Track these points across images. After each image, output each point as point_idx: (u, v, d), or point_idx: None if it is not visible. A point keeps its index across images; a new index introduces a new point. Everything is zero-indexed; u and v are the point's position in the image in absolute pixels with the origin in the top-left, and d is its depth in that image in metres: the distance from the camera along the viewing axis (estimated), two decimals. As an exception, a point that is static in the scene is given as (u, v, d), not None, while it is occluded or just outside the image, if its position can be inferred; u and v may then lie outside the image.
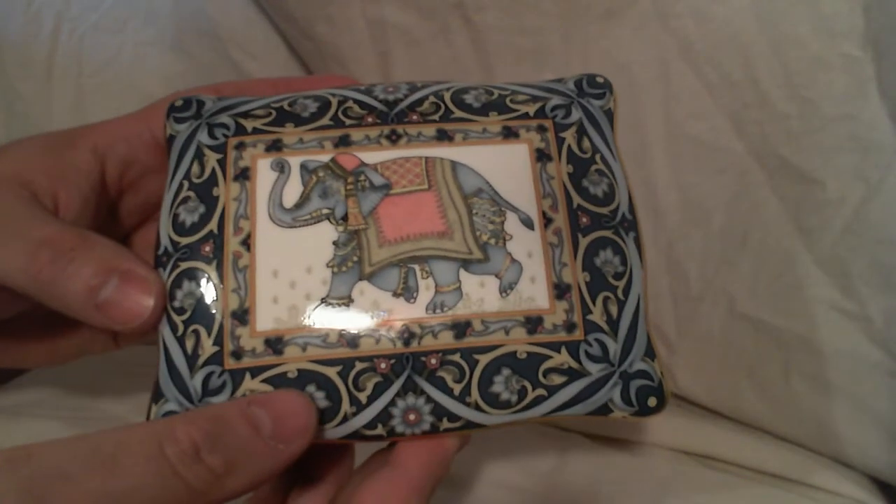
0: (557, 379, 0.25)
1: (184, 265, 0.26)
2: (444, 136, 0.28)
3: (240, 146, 0.27)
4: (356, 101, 0.28)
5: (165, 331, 0.25)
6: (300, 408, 0.23)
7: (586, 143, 0.28)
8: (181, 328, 0.25)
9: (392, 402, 0.25)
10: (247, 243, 0.26)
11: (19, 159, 0.28)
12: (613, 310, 0.26)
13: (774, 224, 0.37)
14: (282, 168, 0.27)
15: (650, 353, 0.26)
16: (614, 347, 0.26)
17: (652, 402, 0.26)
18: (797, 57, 0.35)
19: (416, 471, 0.24)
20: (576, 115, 0.29)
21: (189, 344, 0.25)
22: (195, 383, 0.25)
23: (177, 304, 0.26)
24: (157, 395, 0.25)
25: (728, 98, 0.37)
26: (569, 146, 0.28)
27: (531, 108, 0.29)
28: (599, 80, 0.30)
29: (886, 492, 0.38)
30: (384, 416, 0.25)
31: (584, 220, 0.27)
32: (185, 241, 0.26)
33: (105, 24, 0.45)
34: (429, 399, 0.25)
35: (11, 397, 0.40)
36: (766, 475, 0.38)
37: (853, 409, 0.36)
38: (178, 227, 0.27)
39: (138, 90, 0.45)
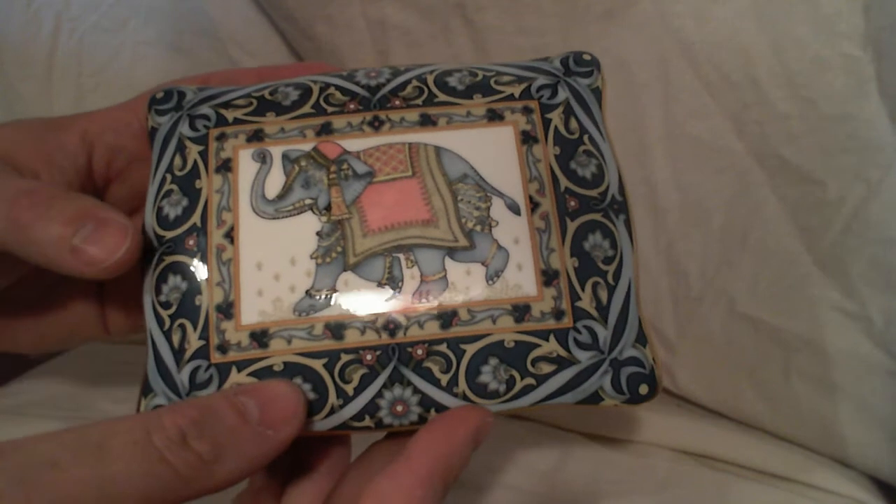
0: (546, 367, 0.25)
1: (168, 259, 0.26)
2: (427, 121, 0.27)
3: (221, 137, 0.27)
4: (338, 88, 0.28)
5: (153, 325, 0.25)
6: (288, 394, 0.23)
7: (573, 124, 0.28)
8: (167, 322, 0.25)
9: (379, 394, 0.24)
10: (230, 236, 0.26)
11: (5, 138, 0.28)
12: (603, 295, 0.26)
13: (774, 224, 0.37)
14: (263, 158, 0.27)
15: (641, 339, 0.26)
16: (604, 334, 0.25)
17: (643, 389, 0.25)
18: (797, 57, 0.35)
19: (423, 468, 0.23)
20: (562, 94, 0.28)
21: (176, 338, 0.25)
22: (182, 377, 0.25)
23: (162, 298, 0.26)
24: (146, 389, 0.25)
25: (728, 98, 0.37)
26: (555, 127, 0.27)
27: (516, 90, 0.28)
28: (586, 57, 0.29)
29: (886, 492, 0.38)
30: (371, 407, 0.24)
31: (573, 203, 0.26)
32: (169, 234, 0.26)
33: (105, 23, 0.45)
34: (416, 390, 0.24)
35: (11, 397, 0.40)
36: (766, 475, 0.38)
37: (853, 409, 0.36)
38: (162, 221, 0.26)
39: (138, 90, 0.44)
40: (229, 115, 0.28)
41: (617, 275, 0.26)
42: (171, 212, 0.26)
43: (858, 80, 0.34)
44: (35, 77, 0.44)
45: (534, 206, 0.26)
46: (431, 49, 0.42)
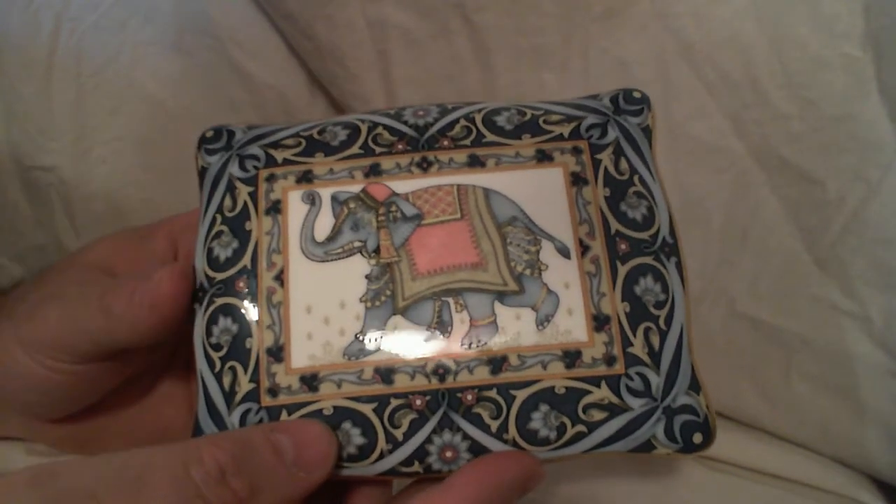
0: (598, 415, 0.24)
1: (219, 301, 0.26)
2: (476, 162, 0.27)
3: (271, 178, 0.27)
4: (386, 127, 0.28)
5: (203, 367, 0.26)
6: (321, 437, 0.23)
7: (623, 165, 0.27)
8: (218, 364, 0.25)
9: (428, 440, 0.24)
10: (280, 279, 0.26)
11: (103, 249, 0.30)
12: (655, 341, 0.25)
13: (774, 224, 0.37)
14: (313, 200, 0.27)
15: (695, 386, 0.25)
16: (657, 381, 0.25)
17: (697, 438, 0.25)
18: (797, 57, 0.35)
19: (459, 501, 0.22)
20: (612, 134, 0.28)
21: (226, 381, 0.25)
22: (233, 420, 0.25)
23: (213, 340, 0.26)
24: (197, 432, 0.25)
25: (728, 98, 0.37)
26: (605, 168, 0.27)
27: (565, 129, 0.28)
28: (636, 95, 0.29)
29: (886, 492, 0.38)
30: (421, 453, 0.24)
31: (623, 246, 0.26)
32: (219, 276, 0.26)
33: (105, 24, 0.45)
34: (465, 436, 0.24)
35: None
36: (767, 475, 0.38)
37: (853, 409, 0.36)
38: (213, 263, 0.27)
39: (138, 90, 0.45)
40: (278, 155, 0.28)
41: (669, 319, 0.26)
42: (222, 253, 0.27)
43: (858, 80, 0.34)
44: (35, 77, 0.44)
45: (584, 249, 0.26)
46: (431, 49, 0.42)
